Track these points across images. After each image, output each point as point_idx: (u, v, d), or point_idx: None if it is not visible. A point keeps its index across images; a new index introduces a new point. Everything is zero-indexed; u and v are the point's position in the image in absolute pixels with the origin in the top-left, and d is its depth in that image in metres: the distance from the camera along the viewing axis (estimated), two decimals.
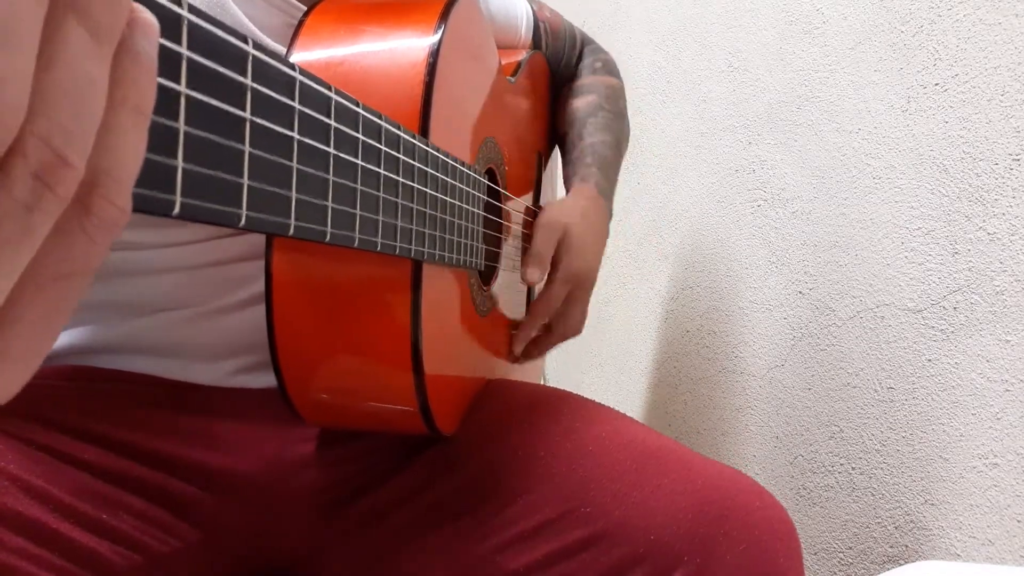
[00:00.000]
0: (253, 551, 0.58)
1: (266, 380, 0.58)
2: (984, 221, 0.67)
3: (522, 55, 0.78)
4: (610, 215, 0.80)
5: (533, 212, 0.83)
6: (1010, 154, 0.65)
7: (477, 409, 0.61)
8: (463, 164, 0.52)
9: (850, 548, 0.79)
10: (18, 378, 0.17)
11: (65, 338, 0.58)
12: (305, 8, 0.52)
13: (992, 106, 0.66)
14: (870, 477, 0.77)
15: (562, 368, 1.39)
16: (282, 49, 0.52)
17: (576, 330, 0.76)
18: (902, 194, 0.74)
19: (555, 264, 0.71)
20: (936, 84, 0.71)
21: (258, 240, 0.56)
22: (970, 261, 0.68)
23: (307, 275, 0.48)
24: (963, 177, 0.68)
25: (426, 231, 0.45)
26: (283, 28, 0.54)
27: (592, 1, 1.34)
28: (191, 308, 0.56)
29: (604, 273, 1.26)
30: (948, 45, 0.70)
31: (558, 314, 0.73)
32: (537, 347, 0.75)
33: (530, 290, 0.86)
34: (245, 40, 0.24)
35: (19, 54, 0.14)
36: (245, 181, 0.24)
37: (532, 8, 0.83)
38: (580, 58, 0.89)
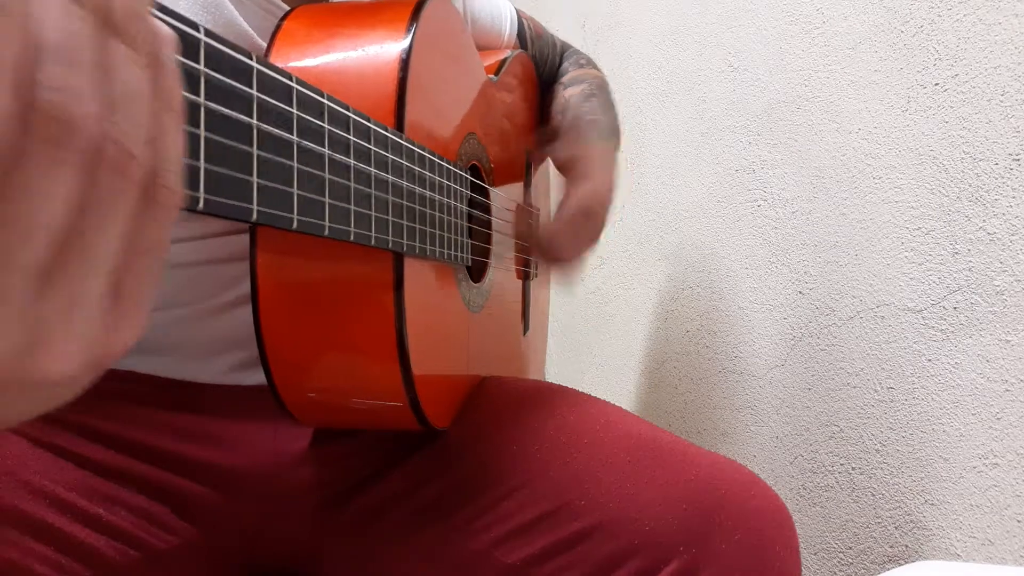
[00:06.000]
0: (250, 547, 0.58)
1: (260, 377, 0.58)
2: (984, 221, 0.67)
3: (506, 54, 0.78)
4: (617, 147, 0.79)
5: (523, 209, 0.83)
6: (1010, 154, 0.65)
7: (471, 405, 0.61)
8: (441, 158, 0.52)
9: (850, 548, 0.79)
10: (135, 331, 0.21)
11: None
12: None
13: (992, 106, 0.66)
14: (870, 477, 0.77)
15: (562, 368, 1.38)
16: None
17: (593, 239, 0.73)
18: (902, 194, 0.74)
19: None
20: (936, 84, 0.71)
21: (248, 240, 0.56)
22: (970, 261, 0.68)
23: (291, 276, 0.48)
24: (963, 177, 0.68)
25: (404, 223, 0.45)
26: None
27: (592, 1, 1.34)
28: (184, 307, 0.56)
29: (604, 273, 1.26)
30: (948, 45, 0.70)
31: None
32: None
33: (525, 288, 0.86)
34: (250, 56, 0.28)
35: (83, 72, 0.18)
36: (255, 179, 0.26)
37: (515, 9, 0.83)
38: (562, 59, 0.90)
